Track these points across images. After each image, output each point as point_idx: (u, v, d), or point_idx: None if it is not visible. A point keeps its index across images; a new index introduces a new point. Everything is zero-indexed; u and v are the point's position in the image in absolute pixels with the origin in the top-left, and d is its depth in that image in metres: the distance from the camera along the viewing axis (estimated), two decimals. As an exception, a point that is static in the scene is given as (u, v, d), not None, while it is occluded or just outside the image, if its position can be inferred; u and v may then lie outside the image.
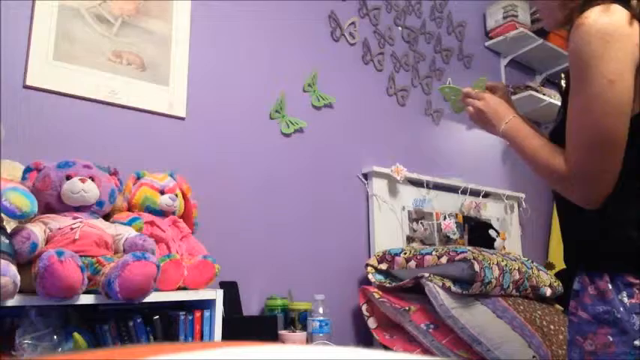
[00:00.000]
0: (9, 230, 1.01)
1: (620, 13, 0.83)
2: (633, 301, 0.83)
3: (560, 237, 1.08)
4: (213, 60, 1.77)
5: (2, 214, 0.97)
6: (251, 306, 1.67)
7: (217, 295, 1.28)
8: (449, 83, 1.24)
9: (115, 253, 1.14)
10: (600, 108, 0.82)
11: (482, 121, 1.09)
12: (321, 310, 1.59)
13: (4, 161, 1.20)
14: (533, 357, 1.57)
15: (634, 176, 0.86)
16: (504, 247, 2.33)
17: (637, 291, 0.84)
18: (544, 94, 2.80)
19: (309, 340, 1.56)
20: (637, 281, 0.84)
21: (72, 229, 1.08)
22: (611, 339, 0.85)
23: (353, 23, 2.21)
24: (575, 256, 0.97)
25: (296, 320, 1.63)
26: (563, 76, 3.14)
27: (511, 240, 2.56)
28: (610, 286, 0.86)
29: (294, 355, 0.25)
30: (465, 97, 1.12)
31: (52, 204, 1.12)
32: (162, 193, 1.34)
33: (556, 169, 0.90)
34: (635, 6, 0.84)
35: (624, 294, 0.84)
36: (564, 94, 1.00)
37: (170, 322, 1.24)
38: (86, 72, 1.47)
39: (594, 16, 0.83)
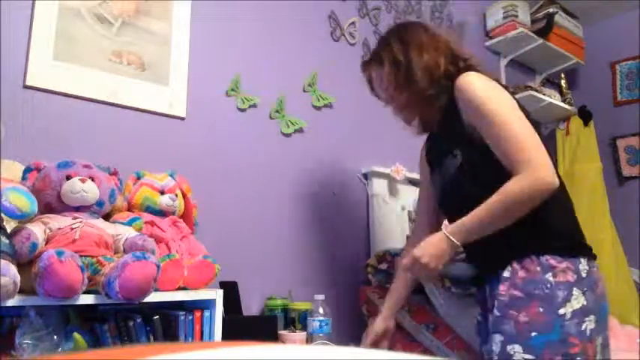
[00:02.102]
0: (9, 230, 1.01)
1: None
2: (556, 279, 1.07)
3: None
4: (213, 60, 1.77)
5: (2, 214, 0.97)
6: (251, 306, 1.67)
7: (217, 295, 1.28)
8: None
9: (115, 253, 1.14)
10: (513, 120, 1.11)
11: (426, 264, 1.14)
12: (321, 310, 1.59)
13: (4, 161, 1.20)
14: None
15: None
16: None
17: (559, 272, 1.07)
18: (544, 94, 2.80)
19: (309, 340, 1.56)
20: (558, 265, 1.08)
21: (72, 229, 1.07)
22: (541, 310, 1.06)
23: (353, 23, 2.21)
24: (502, 253, 1.14)
25: (296, 320, 1.63)
26: (563, 75, 3.15)
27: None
28: (538, 268, 1.08)
29: (294, 355, 0.25)
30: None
31: (52, 204, 1.12)
32: (162, 193, 1.34)
33: (518, 185, 1.06)
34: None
35: (549, 274, 1.07)
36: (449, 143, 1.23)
37: (170, 322, 1.24)
38: (86, 72, 1.47)
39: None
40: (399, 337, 1.72)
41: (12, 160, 1.24)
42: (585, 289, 1.07)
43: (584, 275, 1.08)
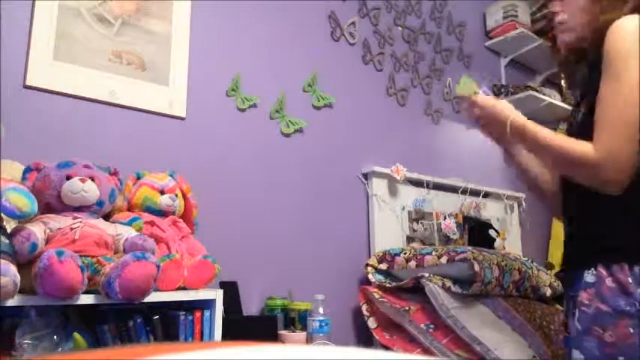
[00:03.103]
0: (9, 230, 1.01)
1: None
2: None
3: (563, 236, 1.14)
4: (213, 60, 1.77)
5: (2, 214, 0.97)
6: (251, 306, 1.67)
7: (217, 295, 1.28)
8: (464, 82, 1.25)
9: (115, 253, 1.14)
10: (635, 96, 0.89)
11: (487, 119, 1.17)
12: (321, 310, 1.59)
13: (4, 161, 1.20)
14: (534, 357, 1.57)
15: None
16: (504, 247, 2.32)
17: None
18: (544, 94, 2.79)
19: (309, 340, 1.56)
20: None
21: (72, 229, 1.07)
22: (631, 330, 0.90)
23: (353, 23, 2.21)
24: (589, 250, 1.00)
25: (296, 320, 1.63)
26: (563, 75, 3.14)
27: (511, 240, 2.56)
28: (630, 280, 0.91)
29: (294, 355, 0.25)
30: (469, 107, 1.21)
31: (52, 204, 1.12)
32: (162, 193, 1.34)
33: (583, 153, 0.93)
34: None
35: None
36: (586, 91, 1.05)
37: (170, 322, 1.23)
38: (86, 72, 1.47)
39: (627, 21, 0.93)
40: (398, 337, 1.72)
41: (12, 160, 1.24)
42: None
43: None
